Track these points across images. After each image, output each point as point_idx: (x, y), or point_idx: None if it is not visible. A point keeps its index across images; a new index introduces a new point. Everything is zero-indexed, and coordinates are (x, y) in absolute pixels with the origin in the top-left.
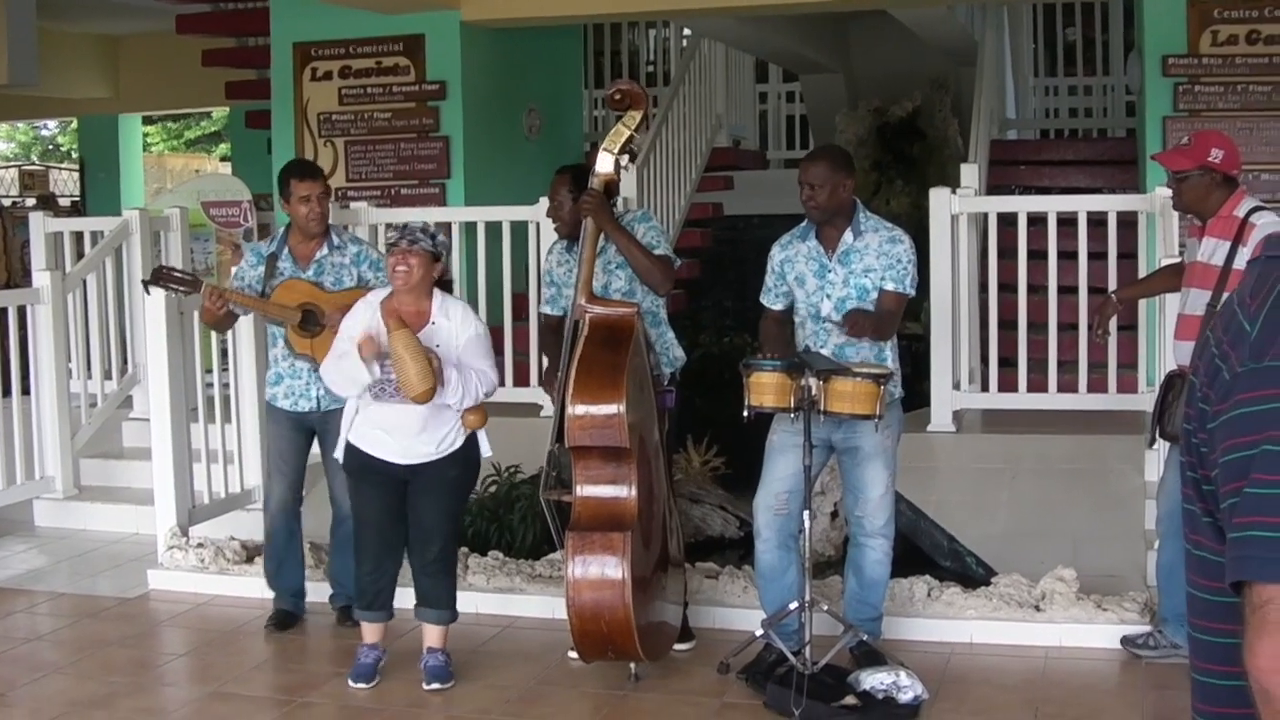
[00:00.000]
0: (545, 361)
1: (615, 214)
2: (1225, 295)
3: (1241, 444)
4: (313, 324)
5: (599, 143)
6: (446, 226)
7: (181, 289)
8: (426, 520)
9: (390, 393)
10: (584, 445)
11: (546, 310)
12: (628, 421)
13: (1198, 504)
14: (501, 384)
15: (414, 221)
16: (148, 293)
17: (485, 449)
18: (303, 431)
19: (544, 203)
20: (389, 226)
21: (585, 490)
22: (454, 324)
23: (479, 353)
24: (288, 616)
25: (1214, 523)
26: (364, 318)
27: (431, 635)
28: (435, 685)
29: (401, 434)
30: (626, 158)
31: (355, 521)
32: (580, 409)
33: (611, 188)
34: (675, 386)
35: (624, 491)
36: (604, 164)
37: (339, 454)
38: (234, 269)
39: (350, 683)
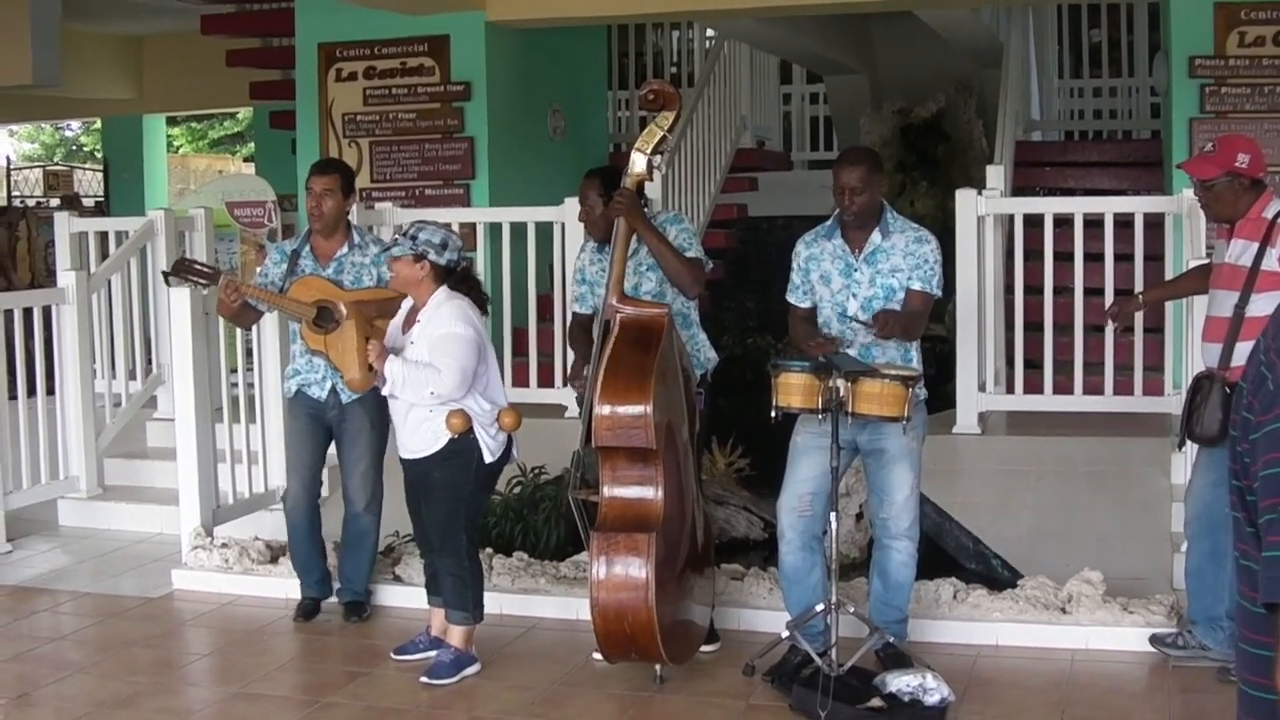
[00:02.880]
0: (573, 357)
1: (647, 215)
2: (1254, 297)
3: None
4: (327, 320)
5: (623, 143)
6: (471, 227)
7: (201, 281)
8: (424, 517)
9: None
10: (611, 446)
11: (577, 308)
12: (655, 422)
13: (1241, 512)
14: (525, 385)
15: (406, 224)
16: (168, 284)
17: (487, 454)
18: (320, 427)
19: (569, 203)
20: None
21: (611, 491)
22: (431, 323)
23: (440, 351)
24: (313, 604)
25: (1257, 533)
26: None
27: (448, 631)
28: (424, 679)
29: (396, 429)
30: (659, 158)
31: None
32: (607, 409)
33: (643, 188)
34: (705, 388)
35: (650, 493)
36: (637, 164)
37: None
38: (259, 267)
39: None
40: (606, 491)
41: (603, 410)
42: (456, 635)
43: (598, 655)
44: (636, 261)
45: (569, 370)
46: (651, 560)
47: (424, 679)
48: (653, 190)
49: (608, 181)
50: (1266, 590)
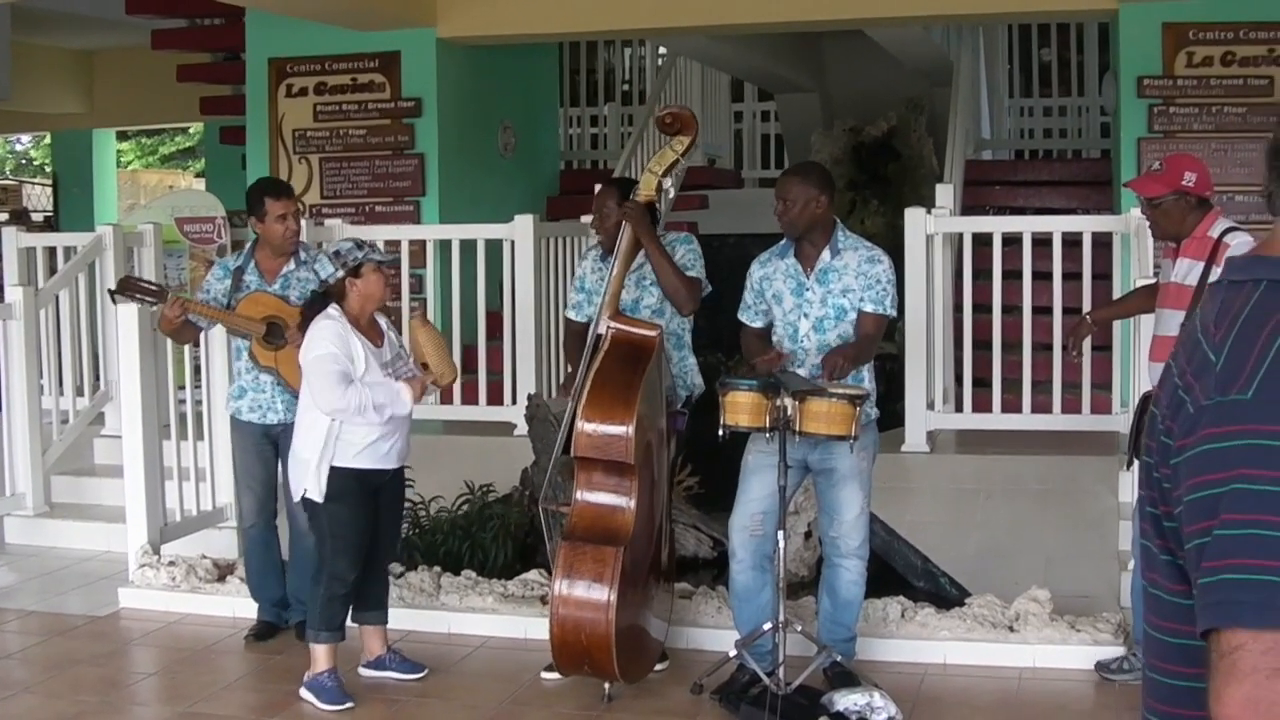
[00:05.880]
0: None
1: (659, 234)
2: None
3: (1209, 481)
4: (278, 337)
5: (574, 161)
6: (421, 244)
7: (148, 299)
8: (396, 525)
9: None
10: (589, 457)
11: (571, 315)
12: (636, 440)
13: (1155, 540)
14: (475, 403)
15: (349, 239)
16: (114, 302)
17: None
18: (267, 443)
19: (518, 220)
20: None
21: (585, 497)
22: (390, 332)
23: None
24: (268, 627)
25: (1172, 561)
26: (340, 333)
27: (383, 638)
28: (424, 672)
29: (402, 434)
30: (669, 180)
31: (336, 544)
32: (590, 426)
33: (653, 208)
34: (688, 410)
35: (622, 503)
36: (647, 184)
37: (315, 488)
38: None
39: (330, 707)
40: (579, 497)
41: (585, 426)
42: (385, 638)
43: (546, 674)
44: (640, 275)
45: (563, 380)
46: (616, 577)
47: (424, 672)
48: None
49: (626, 192)
50: (1206, 616)
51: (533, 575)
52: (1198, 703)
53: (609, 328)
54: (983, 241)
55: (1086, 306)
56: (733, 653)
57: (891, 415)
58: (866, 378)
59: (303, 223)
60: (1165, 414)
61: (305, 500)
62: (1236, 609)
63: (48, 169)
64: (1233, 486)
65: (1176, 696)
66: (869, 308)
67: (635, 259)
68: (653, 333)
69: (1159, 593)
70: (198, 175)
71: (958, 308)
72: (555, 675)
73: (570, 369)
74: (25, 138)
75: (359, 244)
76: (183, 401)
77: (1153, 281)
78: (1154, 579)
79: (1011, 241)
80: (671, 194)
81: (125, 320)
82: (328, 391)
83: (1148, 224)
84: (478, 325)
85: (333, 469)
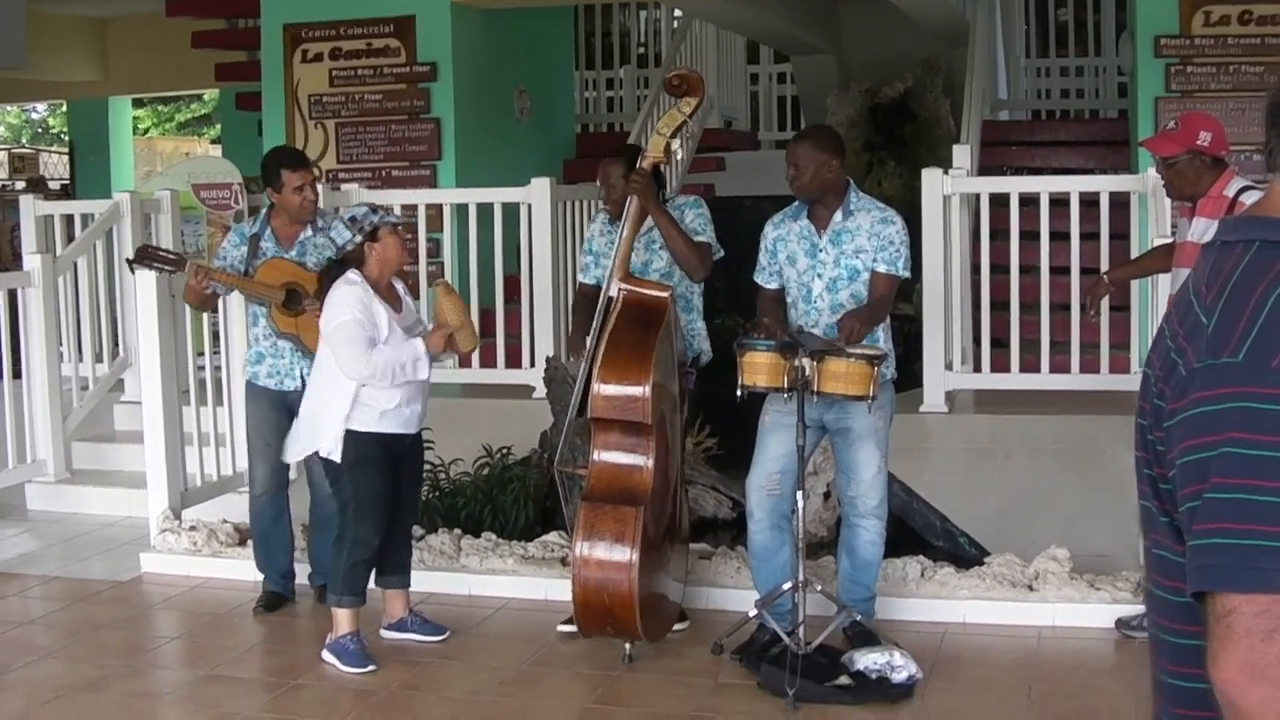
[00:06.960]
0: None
1: (666, 198)
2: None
3: (1200, 444)
4: (296, 303)
5: (590, 124)
6: (438, 208)
7: (167, 268)
8: (416, 490)
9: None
10: (606, 418)
11: (581, 278)
12: (652, 400)
13: (1154, 501)
14: (492, 366)
15: (363, 204)
16: (132, 272)
17: None
18: (283, 410)
19: (535, 184)
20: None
21: (602, 457)
22: (407, 298)
23: None
24: (276, 598)
25: (1171, 522)
26: (361, 299)
27: (405, 601)
28: (446, 634)
29: (420, 399)
30: (677, 142)
31: (359, 509)
32: (606, 387)
33: (660, 170)
34: (695, 370)
35: (640, 462)
36: (655, 145)
37: (334, 448)
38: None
39: (353, 669)
40: (597, 458)
41: (602, 388)
42: (407, 601)
43: (563, 627)
44: (650, 239)
45: (567, 341)
46: (637, 536)
47: (446, 634)
48: None
49: (632, 162)
50: (1197, 578)
51: (552, 537)
52: (1203, 661)
53: (620, 290)
54: (1000, 202)
55: (1104, 266)
56: (753, 612)
57: (910, 376)
58: (882, 338)
59: (319, 189)
60: (1158, 376)
61: (327, 465)
62: (1228, 572)
63: (64, 137)
64: (1223, 450)
65: (1183, 655)
66: (882, 268)
67: (645, 223)
68: (664, 293)
69: (1163, 553)
70: (214, 142)
71: (975, 268)
72: (571, 627)
73: (574, 329)
74: (41, 106)
75: (374, 208)
76: (202, 367)
77: (1170, 241)
78: (1156, 539)
79: (1029, 202)
80: (680, 155)
81: (144, 287)
82: (356, 358)
83: (1163, 183)
84: (495, 289)
85: (357, 434)
